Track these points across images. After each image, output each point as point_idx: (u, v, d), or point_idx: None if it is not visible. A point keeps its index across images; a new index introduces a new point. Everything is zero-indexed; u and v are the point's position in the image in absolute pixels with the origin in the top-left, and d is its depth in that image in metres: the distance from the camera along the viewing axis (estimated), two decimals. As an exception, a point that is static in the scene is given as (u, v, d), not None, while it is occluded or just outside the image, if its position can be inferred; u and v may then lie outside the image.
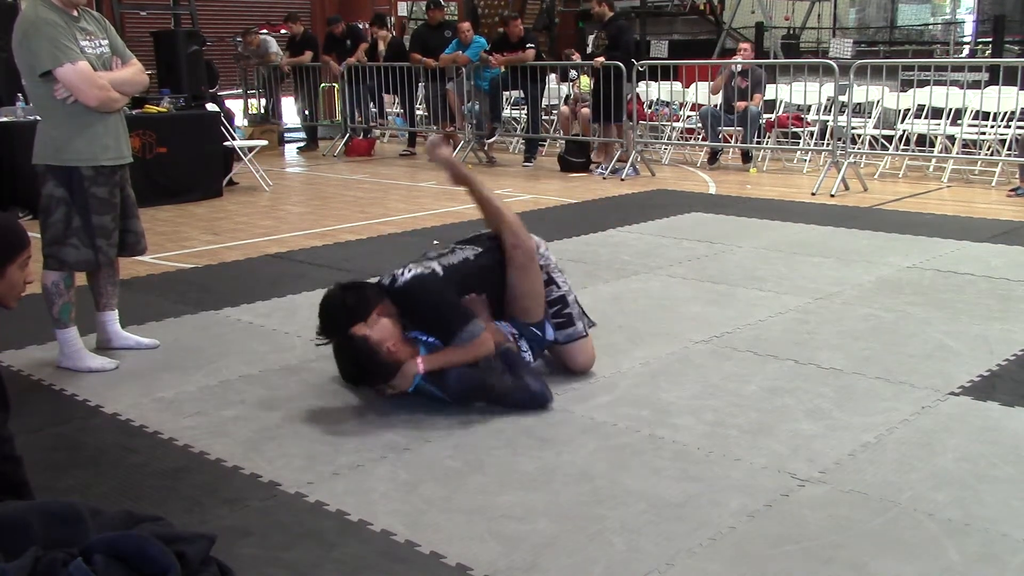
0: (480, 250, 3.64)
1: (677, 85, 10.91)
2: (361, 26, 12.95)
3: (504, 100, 11.41)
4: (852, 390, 3.53)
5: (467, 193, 3.78)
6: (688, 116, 11.01)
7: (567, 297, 3.72)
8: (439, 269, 3.46)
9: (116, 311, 4.18)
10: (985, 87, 9.01)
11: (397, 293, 3.36)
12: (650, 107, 11.33)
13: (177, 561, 1.99)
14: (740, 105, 9.75)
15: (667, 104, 11.03)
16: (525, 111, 11.13)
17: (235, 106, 12.88)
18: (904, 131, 9.50)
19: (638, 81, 10.02)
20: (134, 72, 3.95)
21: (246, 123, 12.61)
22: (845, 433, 3.14)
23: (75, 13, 3.80)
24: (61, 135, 3.76)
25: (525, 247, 3.61)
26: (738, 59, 10.17)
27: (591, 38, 9.93)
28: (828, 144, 9.12)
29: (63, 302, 3.87)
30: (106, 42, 3.91)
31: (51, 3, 3.74)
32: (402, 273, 3.41)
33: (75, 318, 3.93)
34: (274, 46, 13.03)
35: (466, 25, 10.96)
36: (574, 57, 10.56)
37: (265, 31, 13.55)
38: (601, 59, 9.54)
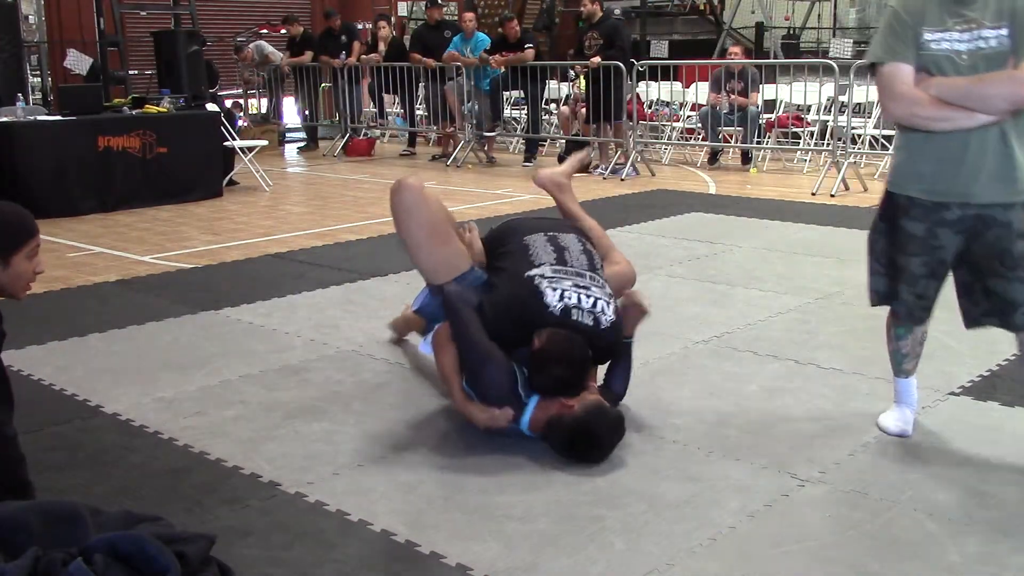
0: None
1: (677, 85, 10.90)
2: (360, 26, 12.93)
3: (504, 100, 11.41)
4: (852, 390, 3.53)
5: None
6: (688, 116, 11.00)
7: None
8: None
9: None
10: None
11: (602, 335, 3.15)
12: (650, 107, 11.32)
13: (177, 561, 1.99)
14: (741, 101, 9.70)
15: (667, 104, 11.02)
16: (525, 111, 11.13)
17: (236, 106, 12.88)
18: (904, 131, 9.48)
19: (638, 81, 10.02)
20: (992, 81, 2.64)
21: (246, 123, 12.60)
22: (845, 433, 3.14)
23: None
24: (897, 151, 2.99)
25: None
26: (731, 60, 10.18)
27: (585, 38, 9.88)
28: (828, 144, 9.12)
29: (891, 348, 3.12)
30: (998, 34, 2.68)
31: None
32: (597, 308, 3.16)
33: (908, 369, 3.14)
34: (267, 47, 13.02)
35: (469, 15, 10.86)
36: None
37: (264, 31, 13.55)
38: (597, 59, 9.52)
